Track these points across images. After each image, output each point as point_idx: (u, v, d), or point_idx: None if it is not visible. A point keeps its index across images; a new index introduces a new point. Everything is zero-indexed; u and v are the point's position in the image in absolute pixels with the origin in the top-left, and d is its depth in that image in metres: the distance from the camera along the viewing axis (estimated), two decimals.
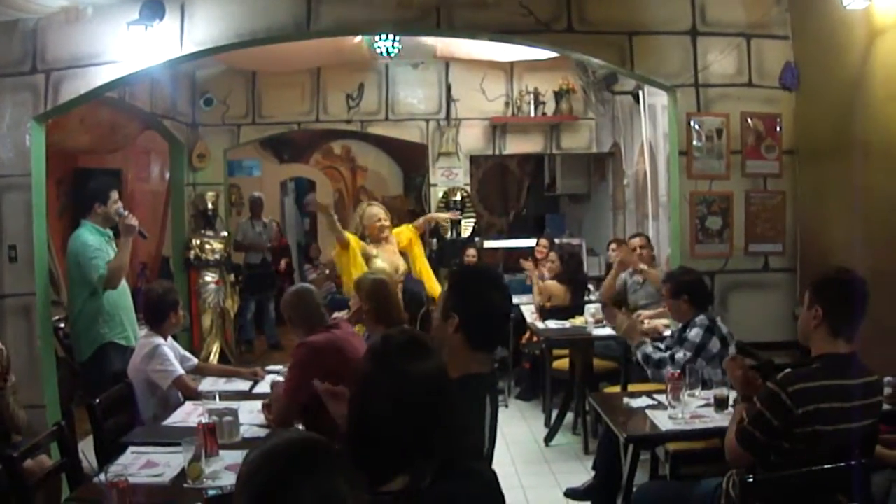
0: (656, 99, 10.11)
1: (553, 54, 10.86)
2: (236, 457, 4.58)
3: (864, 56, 6.32)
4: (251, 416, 5.43)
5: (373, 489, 2.50)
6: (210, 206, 11.95)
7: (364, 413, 2.60)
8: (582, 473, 7.48)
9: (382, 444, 2.53)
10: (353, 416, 2.66)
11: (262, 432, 5.21)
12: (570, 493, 6.74)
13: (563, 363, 8.86)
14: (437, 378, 2.63)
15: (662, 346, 6.43)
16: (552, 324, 9.03)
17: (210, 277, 11.86)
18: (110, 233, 7.39)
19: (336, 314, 6.47)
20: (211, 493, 4.06)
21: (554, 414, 8.77)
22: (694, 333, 6.13)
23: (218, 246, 11.88)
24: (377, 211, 8.17)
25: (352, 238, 8.17)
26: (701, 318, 6.18)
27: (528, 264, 11.50)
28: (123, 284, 7.49)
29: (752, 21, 7.29)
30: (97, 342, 7.22)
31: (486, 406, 3.33)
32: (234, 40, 6.97)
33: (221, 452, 4.60)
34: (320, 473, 1.90)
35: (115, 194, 7.35)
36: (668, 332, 6.85)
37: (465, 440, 2.98)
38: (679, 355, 6.09)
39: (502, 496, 2.85)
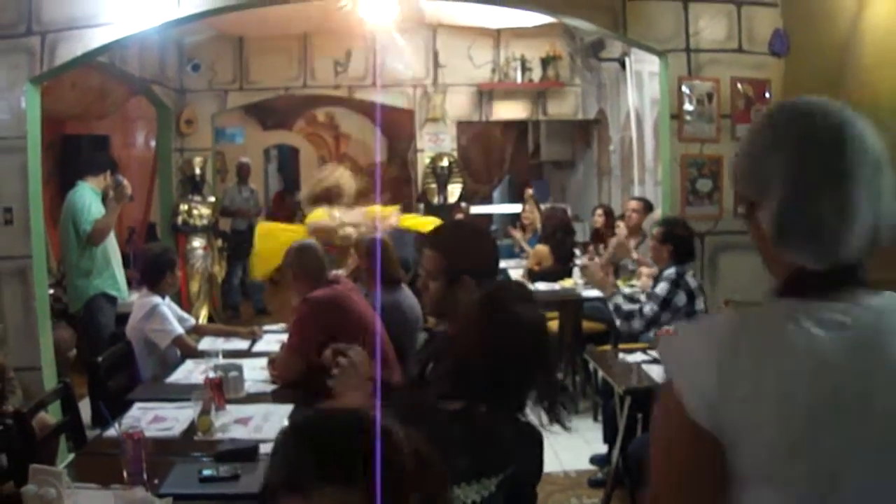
0: (643, 66, 10.19)
1: (540, 21, 10.94)
2: (243, 411, 4.71)
3: (852, 23, 6.42)
4: (253, 373, 5.50)
5: (433, 400, 2.72)
6: (198, 171, 11.95)
7: (460, 349, 2.80)
8: (571, 432, 7.59)
9: (467, 376, 2.73)
10: (448, 350, 2.89)
11: (267, 388, 5.33)
12: (594, 461, 6.85)
13: (551, 325, 8.90)
14: (535, 331, 2.79)
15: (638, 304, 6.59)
16: (541, 286, 9.08)
17: (198, 243, 11.87)
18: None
19: (335, 271, 6.54)
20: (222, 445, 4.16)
21: None
22: (661, 288, 6.31)
23: (206, 211, 11.90)
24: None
25: None
26: (669, 272, 6.34)
27: (516, 232, 11.65)
28: (113, 240, 7.97)
29: None
30: (89, 292, 7.65)
31: None
32: (231, 2, 6.98)
33: (228, 406, 4.70)
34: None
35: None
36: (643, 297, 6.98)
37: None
38: (647, 309, 6.27)
39: (541, 457, 2.94)
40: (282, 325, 7.21)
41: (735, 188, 2.02)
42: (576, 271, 9.16)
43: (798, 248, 1.76)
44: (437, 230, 3.92)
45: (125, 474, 3.68)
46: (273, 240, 8.58)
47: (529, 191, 12.69)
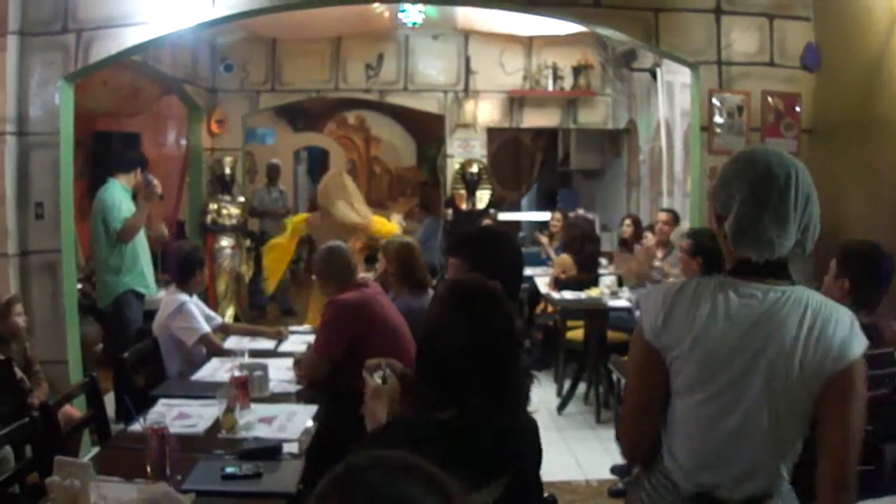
0: (674, 77, 10.19)
1: (572, 29, 10.96)
2: (267, 410, 4.75)
3: (885, 39, 6.40)
4: (278, 373, 5.54)
5: (425, 414, 2.72)
6: (228, 171, 12.00)
7: (436, 355, 2.79)
8: (593, 441, 7.63)
9: (450, 381, 2.73)
10: (424, 357, 2.87)
11: (292, 388, 5.38)
12: (615, 471, 6.87)
13: (575, 334, 8.93)
14: (507, 321, 2.82)
15: None
16: (568, 294, 9.08)
17: (226, 242, 11.92)
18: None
19: (363, 274, 6.56)
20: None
21: (566, 384, 8.88)
22: None
23: (235, 211, 11.93)
24: None
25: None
26: None
27: (543, 238, 11.65)
28: (143, 238, 7.95)
29: (775, 1, 7.34)
30: (118, 289, 7.68)
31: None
32: (266, 4, 7.01)
33: (252, 405, 4.74)
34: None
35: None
36: None
37: (523, 391, 3.13)
38: None
39: (540, 447, 2.98)
40: (307, 327, 7.27)
41: (710, 204, 2.92)
42: (602, 280, 9.15)
43: (746, 247, 2.65)
44: (461, 238, 3.95)
45: (148, 469, 3.73)
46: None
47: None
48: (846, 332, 2.56)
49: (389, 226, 8.60)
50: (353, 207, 8.13)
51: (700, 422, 2.68)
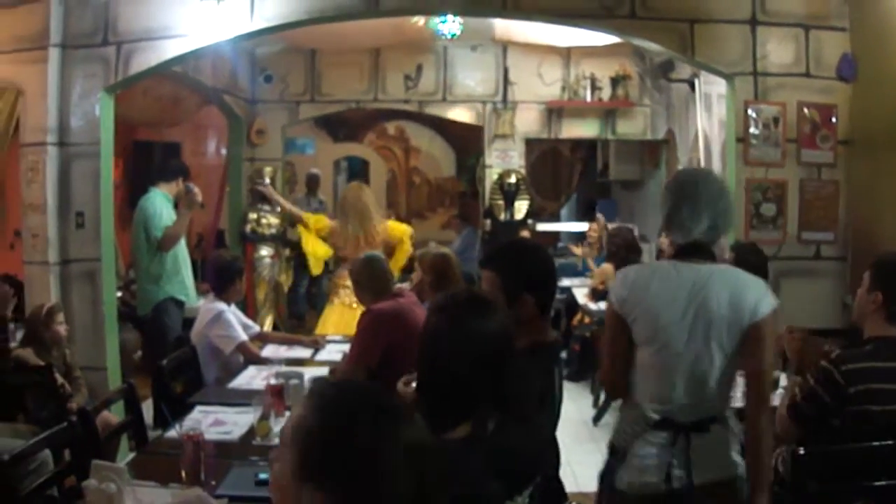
0: (712, 87, 10.16)
1: (610, 40, 10.94)
2: None
3: None
4: None
5: (437, 436, 2.67)
6: (268, 180, 12.04)
7: (435, 367, 2.81)
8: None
9: (452, 395, 2.75)
10: (424, 370, 2.90)
11: None
12: None
13: None
14: (502, 332, 2.84)
15: None
16: (604, 305, 9.05)
17: (266, 251, 11.98)
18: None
19: (399, 285, 6.60)
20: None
21: (603, 394, 8.86)
22: None
23: (274, 221, 11.98)
24: None
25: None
26: None
27: (578, 250, 11.65)
28: (184, 246, 8.08)
29: (810, 12, 7.32)
30: (158, 297, 7.77)
31: (556, 373, 3.52)
32: (303, 17, 7.06)
33: (287, 413, 4.76)
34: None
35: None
36: None
37: (533, 399, 3.16)
38: None
39: (558, 450, 3.02)
40: (344, 336, 7.30)
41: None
42: None
43: (672, 232, 3.65)
44: (491, 251, 4.04)
45: (183, 474, 3.79)
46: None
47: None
48: (758, 296, 3.51)
49: (401, 228, 8.63)
50: (371, 225, 8.16)
51: (655, 366, 3.53)
